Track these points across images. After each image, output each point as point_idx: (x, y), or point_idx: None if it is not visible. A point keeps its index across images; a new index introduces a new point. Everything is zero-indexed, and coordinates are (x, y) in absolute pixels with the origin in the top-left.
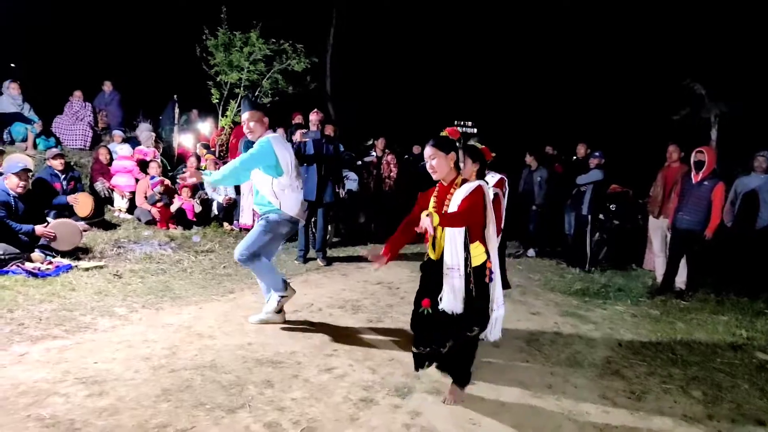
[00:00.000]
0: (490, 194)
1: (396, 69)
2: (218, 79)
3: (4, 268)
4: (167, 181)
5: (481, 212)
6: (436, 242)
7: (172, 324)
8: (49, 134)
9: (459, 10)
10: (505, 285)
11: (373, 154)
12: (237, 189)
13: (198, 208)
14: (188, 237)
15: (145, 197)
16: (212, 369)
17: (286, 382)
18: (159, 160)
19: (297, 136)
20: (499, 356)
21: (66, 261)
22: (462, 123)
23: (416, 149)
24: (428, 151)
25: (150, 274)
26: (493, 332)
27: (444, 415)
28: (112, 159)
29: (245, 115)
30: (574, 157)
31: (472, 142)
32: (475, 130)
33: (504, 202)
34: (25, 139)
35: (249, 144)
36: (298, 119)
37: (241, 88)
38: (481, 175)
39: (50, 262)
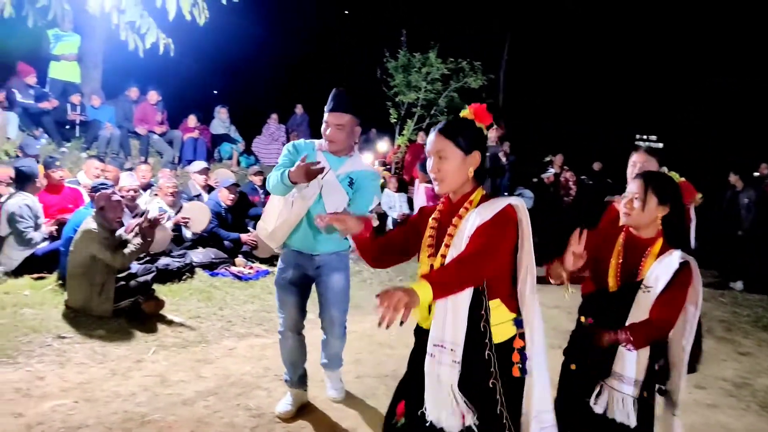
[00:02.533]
0: (526, 220)
1: (572, 81)
2: (397, 99)
3: (215, 270)
4: None
5: (508, 252)
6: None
7: (355, 332)
8: (250, 153)
9: (638, 12)
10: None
11: (551, 170)
12: (410, 205)
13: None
14: None
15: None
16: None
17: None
18: None
19: None
20: (703, 397)
21: (264, 267)
22: (645, 137)
23: (596, 166)
24: (433, 141)
25: None
26: None
27: None
28: None
29: (335, 117)
30: None
31: (663, 169)
32: (661, 145)
33: (692, 236)
34: (230, 157)
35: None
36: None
37: (418, 108)
38: (671, 235)
39: (251, 267)
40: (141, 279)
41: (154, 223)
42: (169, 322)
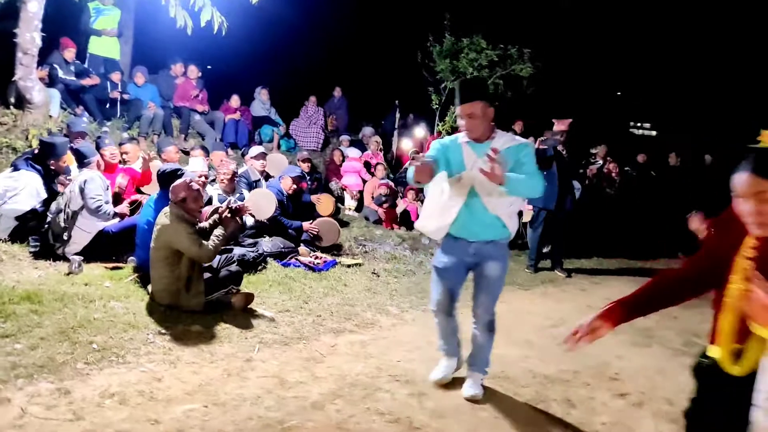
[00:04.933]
0: None
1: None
2: (443, 85)
3: (285, 261)
4: (391, 184)
5: None
6: (747, 343)
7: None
8: (289, 136)
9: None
10: None
11: (599, 162)
12: None
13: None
14: (414, 237)
15: (372, 197)
16: (507, 380)
17: (585, 403)
18: (384, 164)
19: (535, 144)
20: None
21: (329, 257)
22: (639, 125)
23: (641, 158)
24: (748, 183)
25: (401, 274)
26: None
27: None
28: (343, 160)
29: (465, 108)
30: None
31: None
32: (654, 134)
33: None
34: (271, 140)
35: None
36: (518, 127)
37: None
38: None
39: (317, 257)
40: (233, 269)
41: (237, 212)
42: (261, 317)
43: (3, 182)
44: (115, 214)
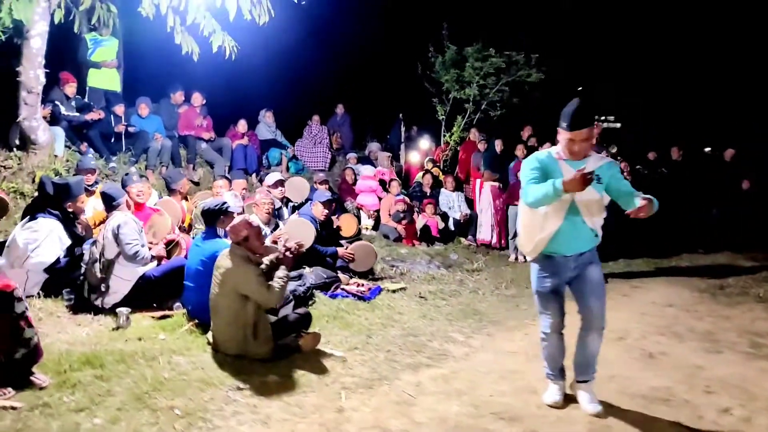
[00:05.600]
0: None
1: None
2: (449, 96)
3: (331, 292)
4: (407, 199)
5: None
6: None
7: (516, 352)
8: (297, 158)
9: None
10: None
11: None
12: (469, 204)
13: (441, 224)
14: (441, 253)
15: (389, 215)
16: (607, 406)
17: (697, 425)
18: (397, 179)
19: None
20: None
21: (372, 283)
22: (603, 118)
23: (651, 155)
24: None
25: (447, 295)
26: None
27: None
28: (356, 179)
29: (581, 134)
30: None
31: None
32: (618, 125)
33: None
34: (279, 163)
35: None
36: (526, 132)
37: (470, 103)
38: None
39: (359, 284)
40: (301, 312)
41: (298, 251)
42: (332, 358)
43: (22, 235)
44: (152, 257)
